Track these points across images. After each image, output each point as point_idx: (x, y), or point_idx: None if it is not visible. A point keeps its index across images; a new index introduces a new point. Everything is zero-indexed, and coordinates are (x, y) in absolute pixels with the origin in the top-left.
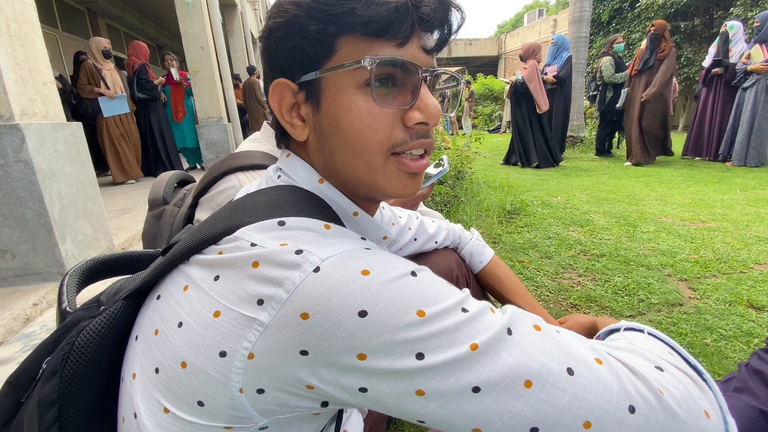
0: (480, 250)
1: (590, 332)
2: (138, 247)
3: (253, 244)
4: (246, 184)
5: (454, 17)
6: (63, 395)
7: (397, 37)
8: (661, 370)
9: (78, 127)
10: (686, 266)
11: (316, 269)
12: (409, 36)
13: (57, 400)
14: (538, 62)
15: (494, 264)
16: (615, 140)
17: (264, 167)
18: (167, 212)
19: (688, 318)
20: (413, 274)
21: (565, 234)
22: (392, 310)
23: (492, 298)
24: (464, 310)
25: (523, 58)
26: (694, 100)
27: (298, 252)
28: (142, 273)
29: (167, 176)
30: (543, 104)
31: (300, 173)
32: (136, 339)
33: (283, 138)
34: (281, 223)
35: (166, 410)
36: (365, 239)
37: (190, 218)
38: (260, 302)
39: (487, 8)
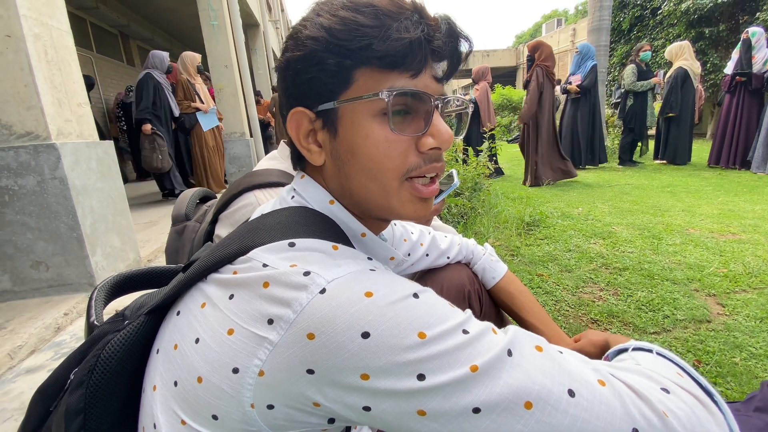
0: (493, 266)
1: (603, 350)
2: (162, 259)
3: (264, 265)
4: (263, 200)
5: (463, 47)
6: (88, 405)
7: (411, 69)
8: (668, 391)
9: (109, 145)
10: (715, 281)
11: (323, 291)
12: (422, 67)
13: (83, 410)
14: (489, 83)
15: (507, 280)
16: (638, 149)
17: (280, 185)
18: (189, 228)
19: (717, 335)
20: (415, 296)
21: (586, 246)
22: (394, 332)
23: (506, 315)
24: (465, 331)
25: (475, 81)
26: (717, 106)
27: (306, 273)
28: (164, 289)
29: (190, 193)
30: (488, 123)
31: (312, 194)
32: (158, 352)
33: (299, 161)
34: (292, 245)
35: (184, 422)
36: (372, 259)
37: (210, 234)
38: (270, 322)
39: (505, 19)
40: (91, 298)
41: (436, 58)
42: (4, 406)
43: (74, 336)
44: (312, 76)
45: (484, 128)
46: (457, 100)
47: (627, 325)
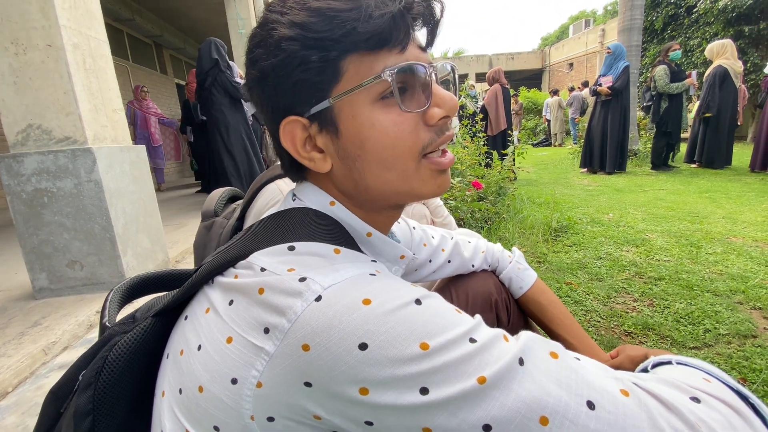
0: (520, 275)
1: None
2: (191, 259)
3: (262, 269)
4: (285, 189)
5: (436, 7)
6: (97, 406)
7: (399, 43)
8: (698, 401)
9: (141, 149)
10: (760, 293)
11: (318, 298)
12: (409, 39)
13: (91, 411)
14: (502, 85)
15: (536, 290)
16: (671, 153)
17: None
18: (217, 224)
19: (763, 351)
20: (417, 302)
21: (618, 254)
22: (393, 343)
23: (535, 326)
24: (472, 340)
25: (489, 85)
26: (759, 108)
27: (302, 279)
28: (173, 291)
29: (220, 191)
30: (496, 127)
31: (312, 197)
32: (167, 357)
33: (298, 173)
34: (291, 248)
35: (187, 431)
36: (375, 262)
37: (238, 230)
38: (266, 331)
39: (531, 21)
40: (106, 300)
41: (417, 26)
42: (37, 401)
43: None
44: (297, 80)
45: (510, 131)
46: (443, 65)
47: (664, 339)
